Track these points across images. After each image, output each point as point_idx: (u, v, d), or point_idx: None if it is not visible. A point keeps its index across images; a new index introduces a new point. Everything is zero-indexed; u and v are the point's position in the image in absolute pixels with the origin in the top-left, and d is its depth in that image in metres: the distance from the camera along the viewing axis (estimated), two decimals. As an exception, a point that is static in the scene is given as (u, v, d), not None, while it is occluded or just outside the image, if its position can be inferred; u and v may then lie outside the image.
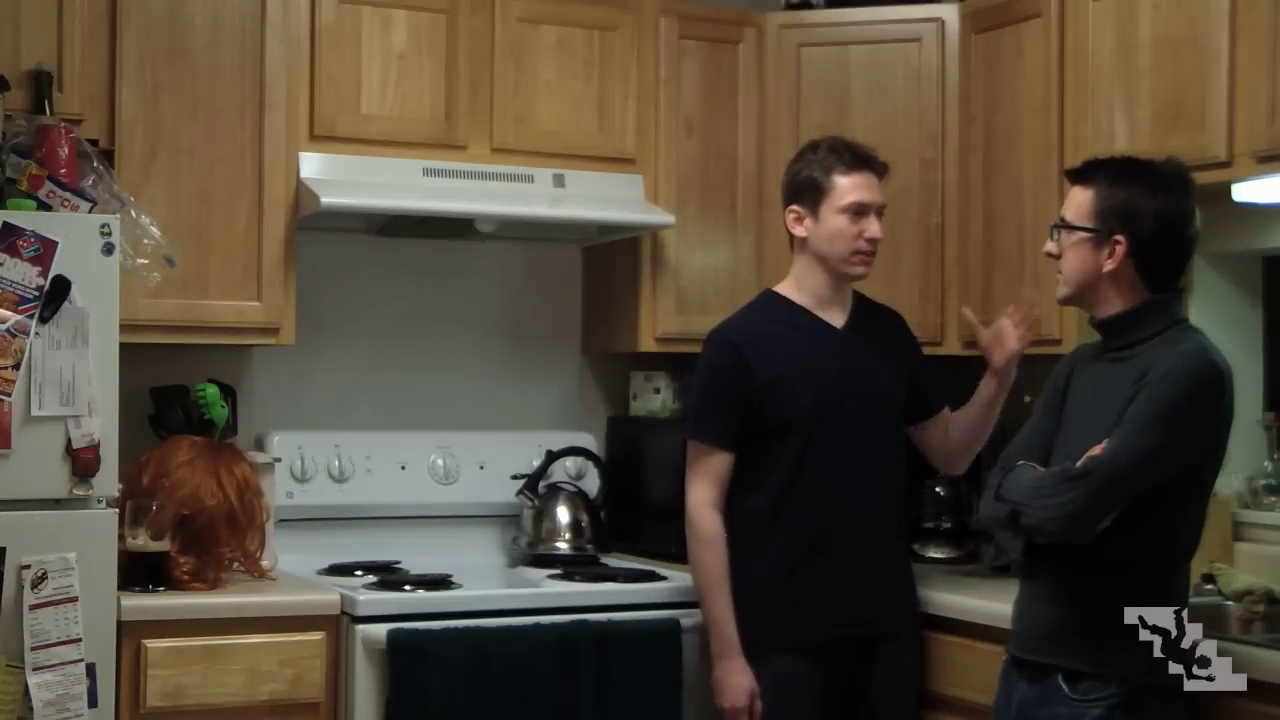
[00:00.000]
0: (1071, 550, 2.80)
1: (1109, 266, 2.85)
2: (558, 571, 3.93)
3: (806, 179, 3.46)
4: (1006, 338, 3.39)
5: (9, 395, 3.18)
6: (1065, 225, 2.91)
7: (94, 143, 3.53)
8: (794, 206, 3.49)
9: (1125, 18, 3.56)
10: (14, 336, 3.18)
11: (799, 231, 3.48)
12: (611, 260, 4.33)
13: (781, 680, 3.37)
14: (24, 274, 3.20)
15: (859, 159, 3.45)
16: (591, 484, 4.30)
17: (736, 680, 3.37)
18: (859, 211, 3.42)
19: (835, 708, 3.41)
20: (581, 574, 3.89)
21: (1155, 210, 2.83)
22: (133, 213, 3.46)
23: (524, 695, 3.48)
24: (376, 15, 3.92)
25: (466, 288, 4.37)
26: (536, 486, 4.18)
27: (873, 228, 3.43)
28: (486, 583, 3.85)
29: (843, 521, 3.40)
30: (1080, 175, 2.94)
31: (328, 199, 3.73)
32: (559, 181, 4.05)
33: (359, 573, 3.83)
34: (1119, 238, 2.84)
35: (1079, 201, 2.90)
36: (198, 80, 3.72)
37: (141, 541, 3.47)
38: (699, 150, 4.23)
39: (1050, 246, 2.95)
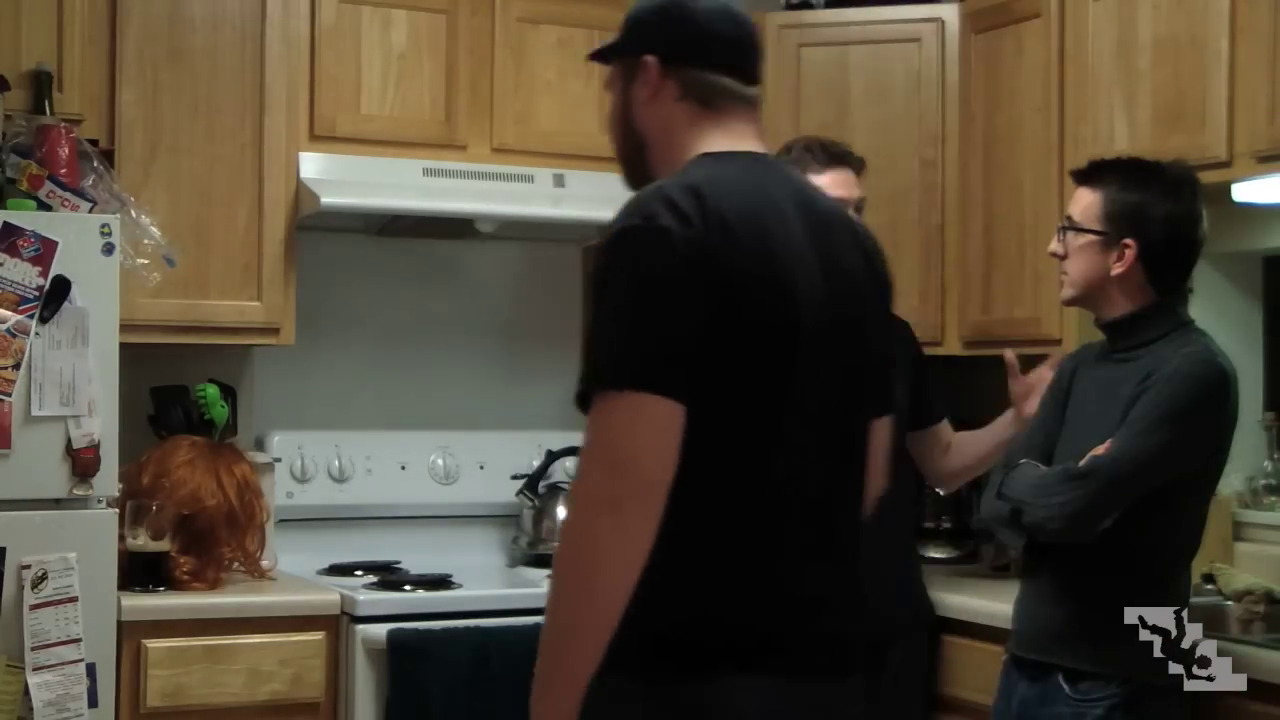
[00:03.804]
0: (1072, 549, 2.79)
1: (1117, 270, 2.84)
2: (558, 571, 3.93)
3: None
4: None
5: (9, 395, 3.18)
6: (1073, 227, 2.89)
7: (94, 143, 3.53)
8: None
9: (1125, 18, 3.57)
10: (14, 336, 3.18)
11: None
12: (611, 260, 4.32)
13: None
14: (24, 274, 3.20)
15: (833, 156, 3.42)
16: (591, 484, 4.29)
17: None
18: None
19: None
20: (581, 574, 3.89)
21: (1166, 215, 2.82)
22: (133, 213, 3.46)
23: (524, 695, 3.44)
24: (376, 15, 3.92)
25: (466, 288, 4.37)
26: (536, 486, 4.18)
27: None
28: (486, 583, 3.85)
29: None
30: (1087, 176, 2.91)
31: (328, 199, 3.73)
32: (559, 181, 4.05)
33: (359, 573, 3.83)
34: (1128, 242, 2.82)
35: (1087, 203, 2.88)
36: (198, 80, 3.73)
37: (141, 541, 3.47)
38: (699, 150, 4.22)
39: (1055, 246, 2.93)
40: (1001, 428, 3.43)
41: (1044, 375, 3.27)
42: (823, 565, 2.03)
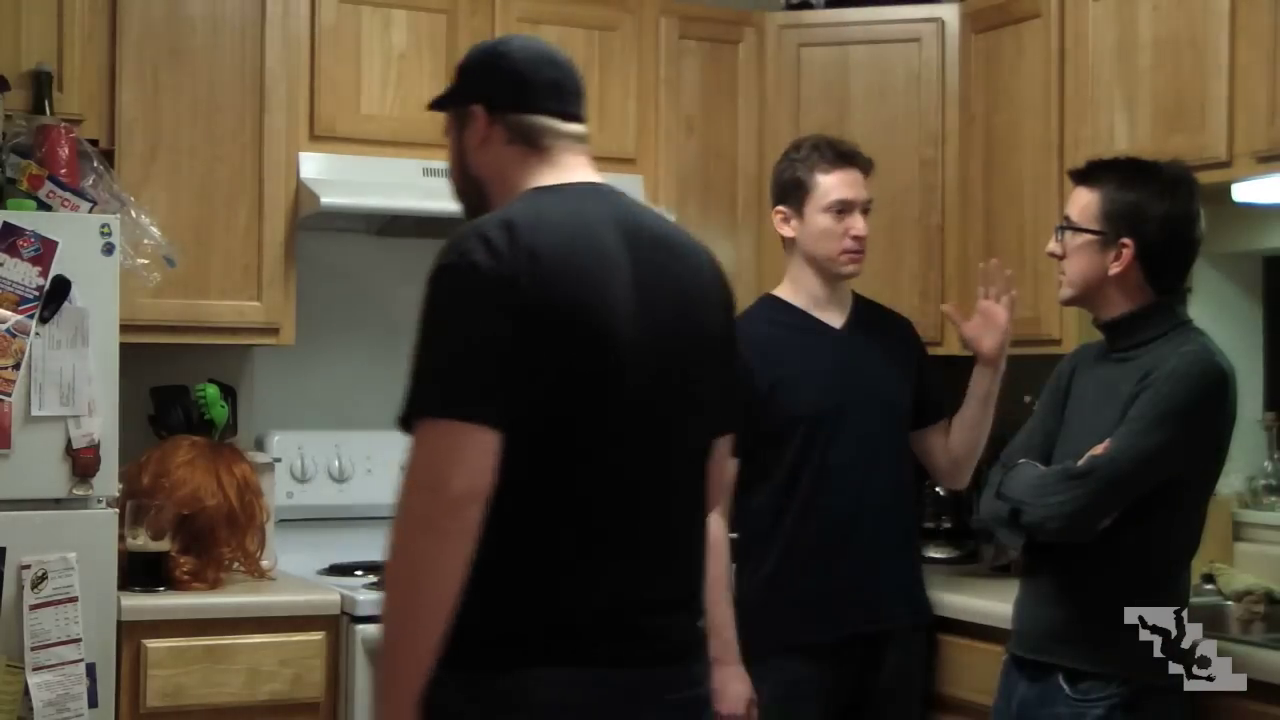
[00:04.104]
0: (1072, 549, 2.80)
1: (1115, 269, 2.84)
2: (558, 571, 3.92)
3: (790, 179, 3.45)
4: (994, 316, 3.32)
5: (9, 395, 3.18)
6: (1071, 226, 2.89)
7: (94, 143, 3.53)
8: (780, 207, 3.48)
9: (1125, 18, 3.57)
10: (14, 336, 3.19)
11: (786, 232, 3.47)
12: (611, 260, 4.32)
13: (787, 686, 3.35)
14: (24, 274, 3.20)
15: (841, 156, 3.42)
16: (591, 484, 4.29)
17: (734, 687, 3.34)
18: (843, 209, 3.39)
19: (841, 711, 3.39)
20: (581, 574, 3.88)
21: (1163, 214, 2.82)
22: (133, 213, 3.46)
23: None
24: (376, 15, 3.92)
25: (466, 288, 4.36)
26: (536, 486, 4.17)
27: (858, 225, 3.39)
28: (486, 583, 3.85)
29: (848, 522, 3.38)
30: (1085, 176, 2.92)
31: (328, 199, 3.73)
32: (559, 181, 4.05)
33: (359, 573, 3.82)
34: (1126, 241, 2.83)
35: (1084, 203, 2.89)
36: (198, 80, 3.73)
37: (141, 541, 3.47)
38: (699, 150, 4.23)
39: (1054, 247, 2.94)
40: (976, 383, 3.43)
41: (983, 306, 3.35)
42: (634, 567, 2.13)
